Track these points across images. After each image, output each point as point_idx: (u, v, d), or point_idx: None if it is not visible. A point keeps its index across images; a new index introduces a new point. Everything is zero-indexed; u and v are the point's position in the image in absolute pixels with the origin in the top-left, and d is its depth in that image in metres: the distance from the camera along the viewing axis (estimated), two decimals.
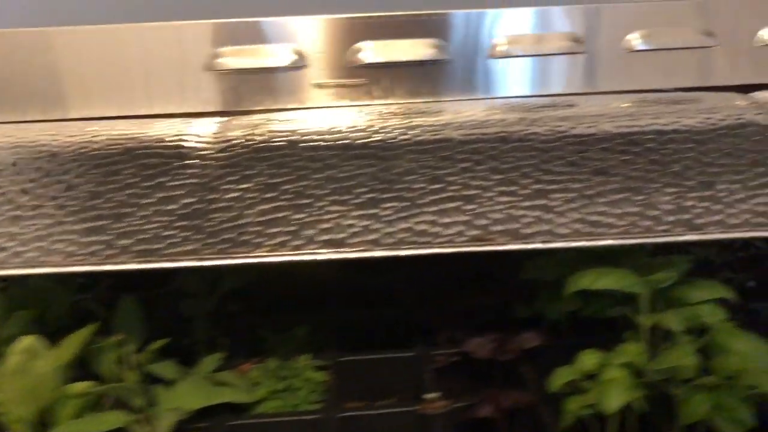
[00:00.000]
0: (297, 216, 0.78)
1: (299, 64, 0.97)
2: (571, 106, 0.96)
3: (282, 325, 1.00)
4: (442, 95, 0.98)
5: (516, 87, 0.99)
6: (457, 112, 0.93)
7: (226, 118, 0.94)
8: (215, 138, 0.87)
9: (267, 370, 0.90)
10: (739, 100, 0.96)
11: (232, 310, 1.03)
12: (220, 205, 0.79)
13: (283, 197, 0.80)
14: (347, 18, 0.97)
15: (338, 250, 0.75)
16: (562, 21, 0.98)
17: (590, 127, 0.88)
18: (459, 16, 0.96)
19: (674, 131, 0.88)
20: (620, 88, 1.00)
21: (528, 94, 1.00)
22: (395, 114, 0.94)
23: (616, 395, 0.73)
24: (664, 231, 0.79)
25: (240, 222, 0.77)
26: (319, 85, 0.98)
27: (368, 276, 1.10)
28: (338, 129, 0.88)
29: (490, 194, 0.81)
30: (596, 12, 0.98)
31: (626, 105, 0.95)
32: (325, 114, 0.95)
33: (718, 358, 0.77)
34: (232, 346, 0.97)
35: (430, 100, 0.98)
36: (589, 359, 0.79)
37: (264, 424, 0.83)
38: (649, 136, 0.87)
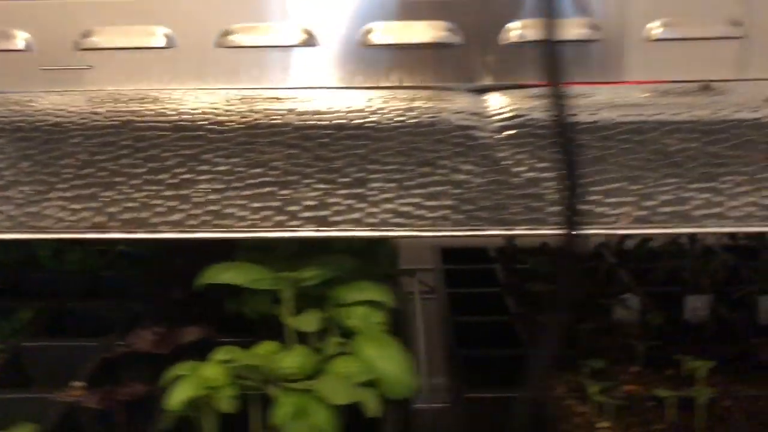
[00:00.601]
0: None
1: (27, 48, 0.96)
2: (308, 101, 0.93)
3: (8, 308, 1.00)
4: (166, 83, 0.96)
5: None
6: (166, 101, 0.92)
7: None
8: None
9: None
10: (460, 100, 0.92)
11: None
12: None
13: None
14: (75, 2, 0.96)
15: None
16: None
17: (275, 119, 0.86)
18: None
19: (355, 127, 0.85)
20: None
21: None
22: (117, 99, 0.93)
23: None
24: (294, 227, 0.77)
25: None
26: (46, 70, 0.97)
27: (117, 265, 1.09)
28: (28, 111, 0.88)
29: (135, 182, 0.80)
30: None
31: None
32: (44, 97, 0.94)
33: (334, 362, 0.74)
34: None
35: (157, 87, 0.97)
36: (219, 355, 0.77)
37: None
38: (328, 131, 0.84)
